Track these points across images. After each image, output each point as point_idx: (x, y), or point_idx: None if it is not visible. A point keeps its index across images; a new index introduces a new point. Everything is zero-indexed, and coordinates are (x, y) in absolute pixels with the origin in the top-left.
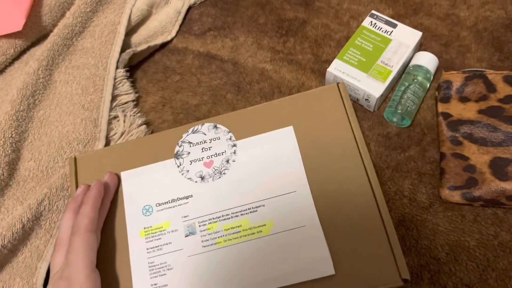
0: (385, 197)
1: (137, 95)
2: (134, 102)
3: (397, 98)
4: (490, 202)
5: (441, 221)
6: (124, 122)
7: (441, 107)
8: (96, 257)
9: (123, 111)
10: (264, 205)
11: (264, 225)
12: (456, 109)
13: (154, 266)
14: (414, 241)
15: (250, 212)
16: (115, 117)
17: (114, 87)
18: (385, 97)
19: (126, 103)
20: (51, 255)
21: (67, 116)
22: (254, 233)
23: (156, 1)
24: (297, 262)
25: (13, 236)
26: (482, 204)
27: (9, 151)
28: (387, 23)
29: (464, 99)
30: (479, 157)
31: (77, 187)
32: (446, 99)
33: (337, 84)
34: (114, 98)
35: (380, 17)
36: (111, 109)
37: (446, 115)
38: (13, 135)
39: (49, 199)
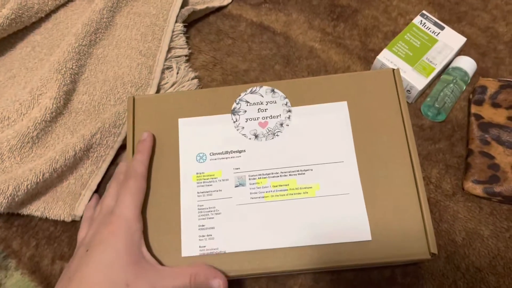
0: None
1: (190, 51)
2: (187, 57)
3: (436, 94)
4: (508, 199)
5: (461, 210)
6: (178, 73)
7: (474, 109)
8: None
9: (176, 63)
10: (312, 170)
11: (311, 187)
12: (488, 112)
13: (203, 209)
14: (436, 223)
15: (298, 174)
16: (169, 67)
17: (171, 39)
18: (423, 92)
19: (179, 56)
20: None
21: (124, 58)
22: (300, 193)
23: None
24: (338, 225)
25: (64, 162)
26: (500, 200)
27: (68, 81)
28: (436, 24)
29: (496, 105)
30: (504, 158)
31: (133, 126)
32: (479, 102)
33: (393, 70)
34: (169, 49)
35: (430, 18)
36: (166, 59)
37: (478, 117)
38: (73, 67)
39: (101, 133)
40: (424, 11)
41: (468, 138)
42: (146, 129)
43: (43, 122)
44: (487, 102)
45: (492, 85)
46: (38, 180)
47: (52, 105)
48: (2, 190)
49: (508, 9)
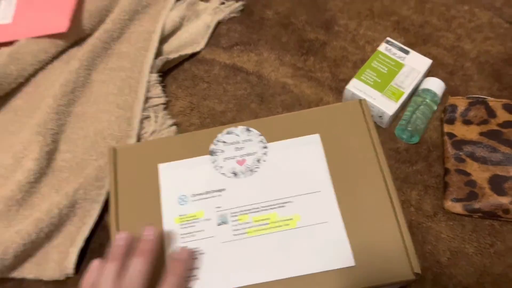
0: None
1: (167, 98)
2: (164, 105)
3: (408, 117)
4: (488, 214)
5: (444, 229)
6: (156, 122)
7: (447, 128)
8: None
9: (154, 112)
10: (291, 202)
11: (291, 219)
12: (460, 130)
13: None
14: (419, 245)
15: (279, 207)
16: (147, 117)
17: (147, 90)
18: (396, 116)
19: (157, 105)
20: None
21: (102, 113)
22: (281, 226)
23: (187, 14)
24: (322, 254)
25: (50, 220)
26: (480, 215)
27: (49, 141)
28: (401, 49)
29: (467, 122)
30: (480, 173)
31: (115, 176)
32: (451, 121)
33: (360, 100)
34: (146, 100)
35: (395, 43)
36: (143, 109)
37: (451, 135)
38: (53, 127)
39: (85, 188)
40: (388, 38)
41: (444, 157)
42: (127, 177)
43: (27, 184)
44: (459, 120)
45: (461, 103)
46: (25, 242)
47: (35, 167)
48: None
49: (471, 26)
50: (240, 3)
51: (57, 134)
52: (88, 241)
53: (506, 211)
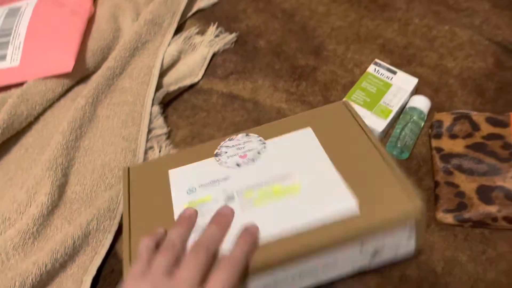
0: None
1: (169, 128)
2: (167, 135)
3: (397, 135)
4: (478, 223)
5: (437, 240)
6: (159, 151)
7: (434, 143)
8: None
9: (157, 142)
10: (292, 173)
11: (294, 186)
12: (447, 144)
13: (198, 227)
14: (415, 256)
15: (281, 179)
16: (151, 147)
17: (150, 122)
18: (386, 133)
19: (159, 135)
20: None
21: (108, 146)
22: (285, 193)
23: (184, 48)
24: (326, 208)
25: (65, 251)
26: (471, 225)
27: (60, 175)
28: (388, 70)
29: (453, 136)
30: (468, 185)
31: (129, 195)
32: (438, 136)
33: (343, 101)
34: (149, 131)
35: (383, 65)
36: (147, 140)
37: (439, 149)
38: (63, 162)
39: (97, 219)
40: (376, 60)
41: (433, 170)
42: (140, 189)
43: (41, 217)
44: (445, 134)
45: (446, 118)
46: (42, 272)
47: (48, 200)
48: (10, 287)
49: (453, 45)
50: (233, 34)
51: (67, 168)
52: (100, 268)
53: (495, 219)
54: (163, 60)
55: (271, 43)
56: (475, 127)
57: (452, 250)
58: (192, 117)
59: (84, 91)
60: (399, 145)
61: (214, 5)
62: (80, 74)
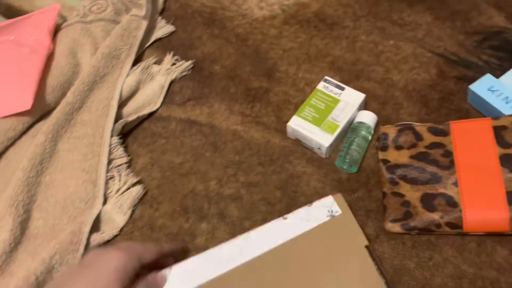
0: None
1: (129, 157)
2: (127, 164)
3: (345, 149)
4: (424, 230)
5: (386, 249)
6: (119, 181)
7: (381, 155)
8: None
9: (118, 172)
10: None
11: None
12: (393, 155)
13: None
14: None
15: None
16: (111, 177)
17: (110, 152)
18: (336, 146)
19: (120, 165)
20: None
21: (70, 179)
22: None
23: (143, 78)
24: None
25: (28, 287)
26: (417, 232)
27: (22, 212)
28: (337, 86)
29: (398, 147)
30: (412, 194)
31: None
32: (384, 148)
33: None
34: (110, 161)
35: (331, 81)
36: (107, 171)
37: (385, 161)
38: (24, 198)
39: (60, 253)
40: (326, 77)
41: (381, 182)
42: None
43: (4, 254)
44: (391, 146)
45: (391, 131)
46: None
47: (10, 237)
48: None
49: (398, 59)
50: (190, 61)
51: (29, 204)
52: None
53: (438, 225)
54: (121, 91)
55: (226, 67)
56: (419, 137)
57: (400, 258)
58: (152, 145)
59: (44, 127)
60: (347, 160)
61: (171, 34)
62: (40, 111)
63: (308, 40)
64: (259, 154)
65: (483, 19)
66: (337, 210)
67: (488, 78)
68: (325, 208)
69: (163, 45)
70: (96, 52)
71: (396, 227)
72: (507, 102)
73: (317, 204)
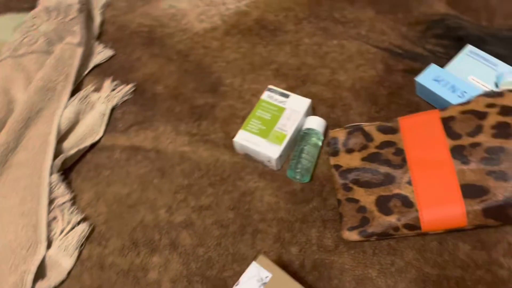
0: (297, 247)
1: (73, 194)
2: (71, 201)
3: (296, 159)
4: (382, 235)
5: (347, 260)
6: (63, 221)
7: (333, 160)
8: None
9: (61, 211)
10: None
11: None
12: (345, 159)
13: None
14: (326, 282)
15: None
16: (54, 218)
17: (50, 192)
18: (287, 156)
19: (63, 203)
20: None
21: (7, 226)
22: None
23: (81, 108)
24: None
25: None
26: (377, 238)
27: None
28: (282, 94)
29: (349, 151)
30: (367, 198)
31: None
32: (335, 153)
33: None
34: (51, 201)
35: (276, 90)
36: (49, 211)
37: (337, 166)
38: None
39: None
40: (270, 86)
41: (335, 189)
42: None
43: None
44: (342, 150)
45: (341, 134)
46: None
47: None
48: None
49: (343, 58)
50: (130, 85)
51: None
52: None
53: (396, 228)
54: (59, 125)
55: (169, 87)
56: (369, 138)
57: (362, 267)
58: (96, 177)
59: None
60: (299, 170)
61: (110, 58)
62: None
63: (251, 49)
64: (209, 174)
65: (424, 8)
66: (266, 275)
67: (433, 68)
68: (254, 279)
69: (103, 71)
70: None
71: (354, 235)
72: (453, 91)
73: (244, 279)
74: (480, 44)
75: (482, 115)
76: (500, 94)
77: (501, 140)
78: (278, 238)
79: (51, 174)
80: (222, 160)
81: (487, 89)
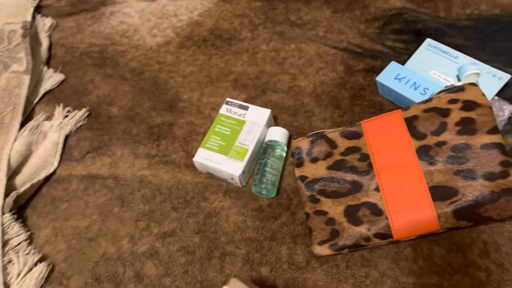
0: (267, 267)
1: (29, 233)
2: (27, 241)
3: (260, 173)
4: (354, 246)
5: (319, 276)
6: (19, 263)
7: (298, 172)
8: None
9: (16, 253)
10: None
11: None
12: (310, 170)
13: None
14: None
15: None
16: (10, 261)
17: (4, 233)
18: (251, 171)
19: (18, 244)
20: None
21: None
22: None
23: (33, 139)
24: None
25: None
26: (348, 250)
27: None
28: (241, 107)
29: (314, 160)
30: (335, 209)
31: None
32: (300, 164)
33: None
34: (5, 243)
35: (234, 102)
36: (4, 254)
37: (303, 178)
38: None
39: None
40: (228, 98)
41: (302, 201)
42: None
43: None
44: (306, 160)
45: (304, 143)
46: None
47: None
48: None
49: (302, 62)
50: (84, 109)
51: None
52: None
53: (367, 239)
54: (9, 160)
55: (124, 108)
56: (332, 144)
57: (336, 283)
58: (53, 212)
59: None
60: (263, 185)
61: (61, 82)
62: None
63: (207, 61)
64: (171, 197)
65: (380, 3)
66: None
67: (393, 66)
68: None
69: (55, 97)
70: None
71: (325, 250)
72: (415, 88)
73: None
74: (440, 36)
75: (445, 112)
76: (461, 89)
77: (467, 137)
78: (247, 260)
79: (3, 214)
80: (185, 181)
81: (448, 84)
